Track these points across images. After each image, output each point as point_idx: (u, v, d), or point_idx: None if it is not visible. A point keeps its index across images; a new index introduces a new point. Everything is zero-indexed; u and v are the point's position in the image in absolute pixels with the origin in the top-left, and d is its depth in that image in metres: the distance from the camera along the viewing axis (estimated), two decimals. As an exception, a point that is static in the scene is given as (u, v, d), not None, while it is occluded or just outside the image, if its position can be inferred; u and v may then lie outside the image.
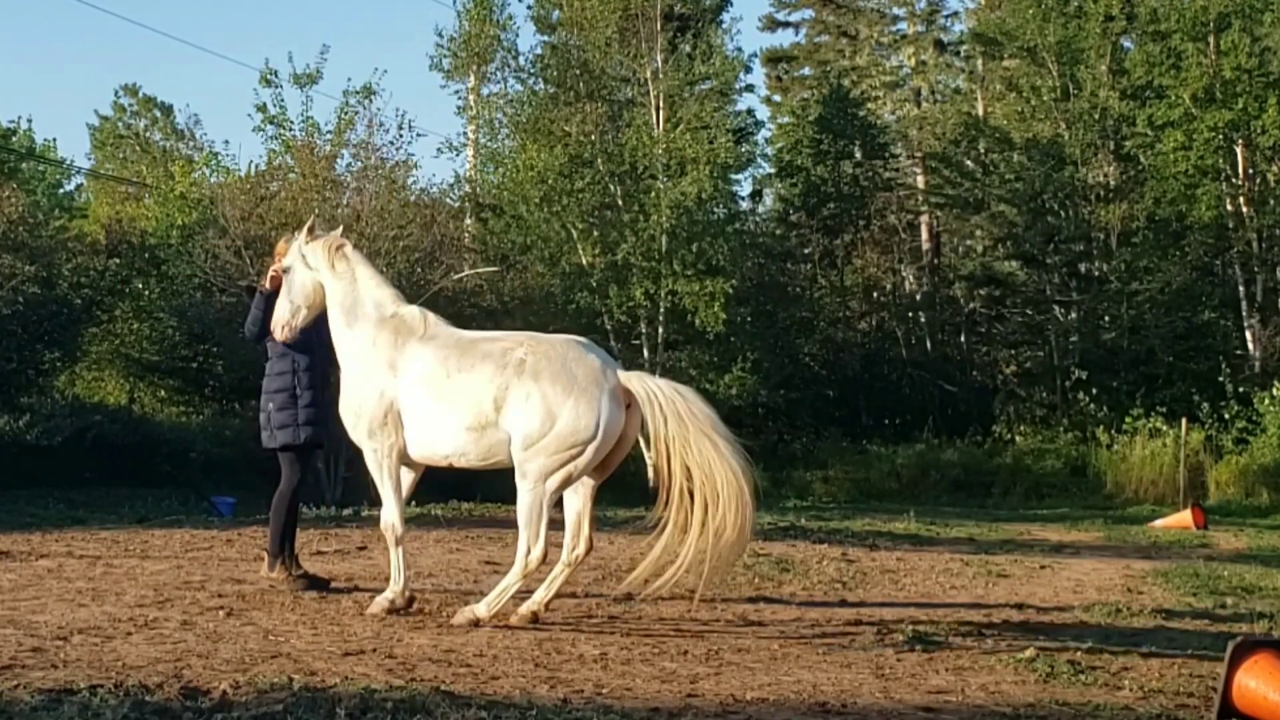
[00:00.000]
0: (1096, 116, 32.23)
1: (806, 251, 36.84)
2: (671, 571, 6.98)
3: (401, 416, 7.30)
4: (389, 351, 7.38)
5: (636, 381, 7.12)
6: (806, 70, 47.68)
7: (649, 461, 27.30)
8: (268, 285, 8.26)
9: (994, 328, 36.23)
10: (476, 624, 6.99)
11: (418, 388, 7.24)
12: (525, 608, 7.21)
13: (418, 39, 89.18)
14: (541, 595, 7.26)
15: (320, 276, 7.69)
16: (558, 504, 7.21)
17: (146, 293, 25.75)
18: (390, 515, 7.42)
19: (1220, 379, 27.78)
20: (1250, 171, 31.06)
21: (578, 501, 7.29)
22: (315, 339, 8.28)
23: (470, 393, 7.07)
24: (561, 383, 6.95)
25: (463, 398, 7.08)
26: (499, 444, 7.09)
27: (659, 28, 31.12)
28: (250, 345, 23.29)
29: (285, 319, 7.80)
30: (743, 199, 37.89)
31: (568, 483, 7.07)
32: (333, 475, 22.06)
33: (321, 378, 8.49)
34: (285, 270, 7.80)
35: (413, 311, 7.60)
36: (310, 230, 7.83)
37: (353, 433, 7.51)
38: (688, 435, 6.92)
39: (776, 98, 47.17)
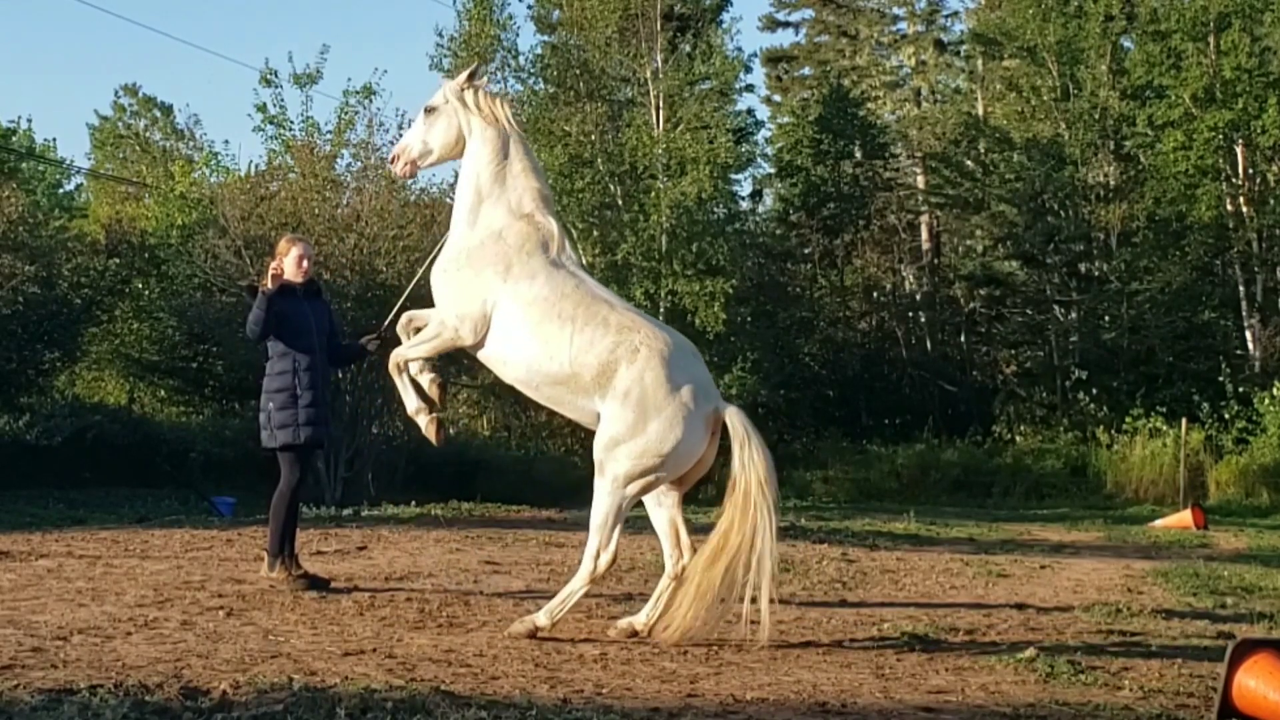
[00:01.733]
0: (1096, 116, 32.26)
1: (806, 251, 36.85)
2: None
3: (494, 321, 6.94)
4: (511, 252, 6.95)
5: (737, 419, 6.75)
6: (806, 70, 47.70)
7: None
8: (269, 284, 8.21)
9: (994, 328, 36.24)
10: (534, 634, 6.67)
11: (520, 307, 6.87)
12: (625, 621, 6.99)
13: (418, 39, 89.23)
14: (650, 612, 6.95)
15: (473, 130, 7.20)
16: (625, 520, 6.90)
17: (146, 293, 25.76)
18: (409, 355, 7.19)
19: (1220, 379, 27.79)
20: (1250, 171, 31.08)
21: (666, 512, 7.07)
22: (316, 339, 8.25)
23: (576, 350, 6.71)
24: (666, 393, 6.60)
25: (563, 350, 6.73)
26: (574, 405, 6.86)
27: (659, 28, 31.14)
28: (251, 345, 23.33)
29: (412, 156, 7.38)
30: (743, 199, 37.95)
31: (646, 491, 6.81)
32: (333, 475, 22.07)
33: (322, 378, 8.45)
34: (430, 109, 7.33)
35: (552, 224, 7.14)
36: (473, 75, 7.36)
37: (437, 294, 7.17)
38: (756, 491, 6.65)
39: (776, 98, 47.22)
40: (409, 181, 25.51)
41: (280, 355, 8.31)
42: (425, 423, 7.29)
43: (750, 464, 6.66)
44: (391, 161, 7.59)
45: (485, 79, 7.57)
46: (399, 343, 7.43)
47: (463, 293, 7.01)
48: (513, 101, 7.67)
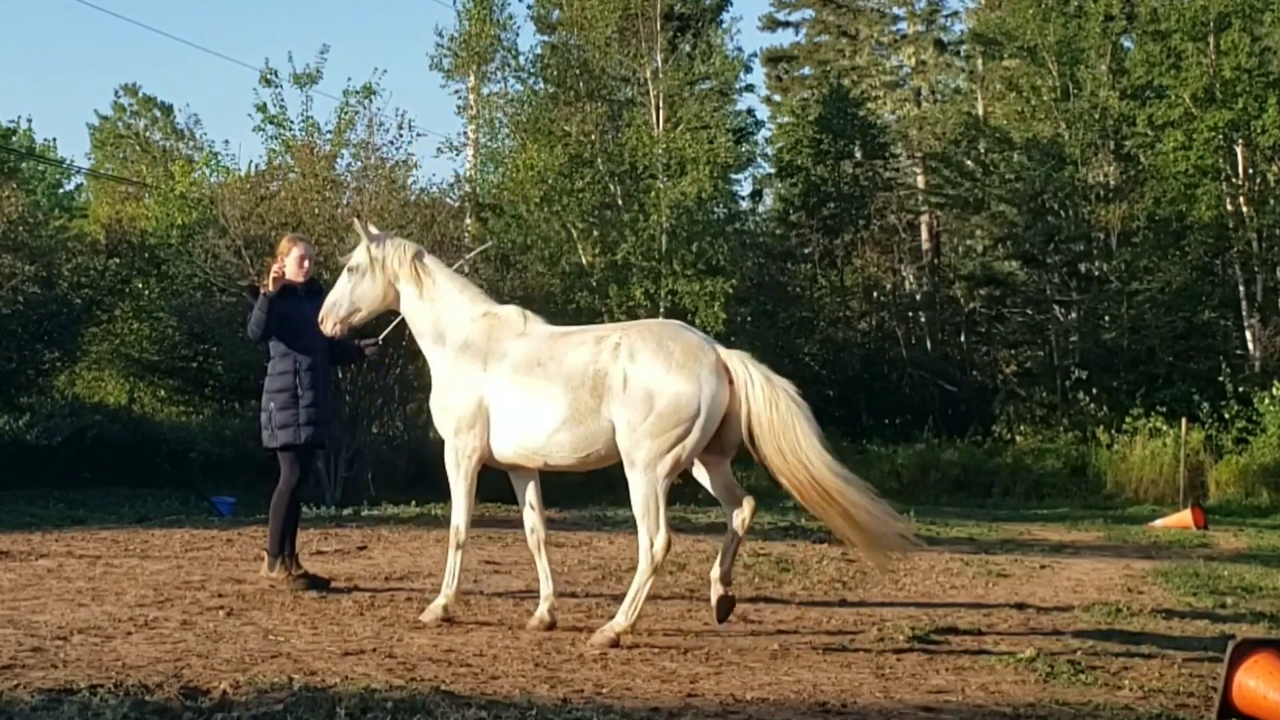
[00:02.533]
0: (1096, 116, 32.26)
1: (806, 251, 36.86)
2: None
3: (491, 414, 7.12)
4: (482, 348, 7.23)
5: (736, 360, 6.93)
6: (806, 70, 47.70)
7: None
8: (270, 286, 8.21)
9: (994, 328, 36.24)
10: (617, 642, 6.68)
11: (508, 382, 7.07)
12: (715, 575, 7.06)
13: (418, 39, 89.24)
14: (722, 566, 7.08)
15: (399, 286, 7.54)
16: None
17: (146, 293, 25.75)
18: (458, 518, 7.34)
19: (1220, 379, 27.78)
20: (1250, 171, 31.07)
21: (720, 477, 7.10)
22: (318, 338, 8.23)
23: (566, 382, 6.87)
24: (659, 361, 6.74)
25: (558, 388, 6.89)
26: (598, 434, 6.86)
27: (659, 27, 31.13)
28: (251, 345, 23.35)
29: (341, 316, 7.61)
30: (743, 199, 37.96)
31: (679, 466, 6.81)
32: (333, 475, 22.06)
33: (324, 378, 8.46)
34: (354, 269, 7.58)
35: (510, 310, 7.47)
36: (368, 233, 7.60)
37: (440, 430, 7.40)
38: (782, 422, 6.76)
39: (776, 98, 47.22)
40: (410, 180, 25.63)
41: (281, 355, 8.32)
42: (437, 614, 7.28)
43: (758, 399, 6.77)
44: (321, 321, 7.66)
45: (374, 229, 7.78)
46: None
47: (455, 410, 7.22)
48: (412, 249, 7.73)
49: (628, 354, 6.79)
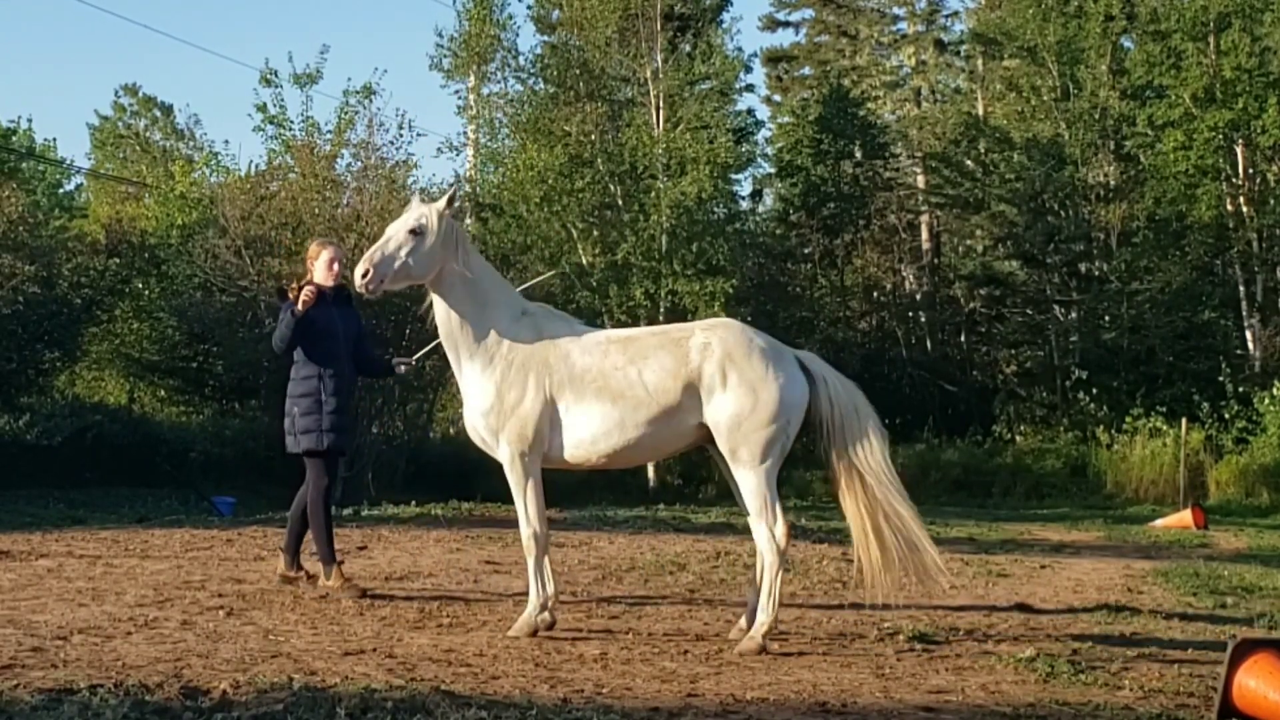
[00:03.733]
0: (1096, 116, 32.25)
1: (806, 251, 36.85)
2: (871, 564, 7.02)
3: (563, 420, 6.93)
4: (537, 349, 7.00)
5: (809, 360, 7.15)
6: (806, 70, 47.70)
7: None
8: (300, 306, 7.99)
9: (994, 328, 36.23)
10: (764, 647, 6.69)
11: (579, 385, 6.92)
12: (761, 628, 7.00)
13: (418, 39, 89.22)
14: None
15: (449, 259, 7.11)
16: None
17: (146, 293, 25.75)
18: (533, 525, 7.02)
19: (1220, 379, 27.77)
20: (1250, 171, 31.07)
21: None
22: (343, 346, 8.17)
23: (652, 385, 6.82)
24: (759, 358, 6.87)
25: (642, 391, 6.82)
26: (680, 433, 6.93)
27: (659, 27, 31.14)
28: (250, 347, 23.25)
29: (387, 275, 7.00)
30: (743, 199, 37.93)
31: (781, 457, 6.92)
32: (332, 475, 22.05)
33: (348, 385, 8.34)
34: (417, 230, 7.06)
35: (545, 308, 7.37)
36: (451, 201, 7.26)
37: (491, 436, 7.03)
38: (852, 423, 7.00)
39: (776, 98, 47.22)
40: (410, 180, 25.64)
41: (306, 362, 8.21)
42: (530, 623, 7.06)
43: (832, 394, 7.01)
44: (363, 276, 6.99)
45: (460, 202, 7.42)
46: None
47: (521, 411, 6.94)
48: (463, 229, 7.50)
49: (723, 353, 6.84)
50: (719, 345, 6.87)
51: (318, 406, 8.13)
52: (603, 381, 6.89)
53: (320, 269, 8.32)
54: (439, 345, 7.40)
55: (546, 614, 7.02)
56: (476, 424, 7.10)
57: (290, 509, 8.53)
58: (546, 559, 7.14)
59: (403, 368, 8.65)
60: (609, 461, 7.07)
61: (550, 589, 7.14)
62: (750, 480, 6.81)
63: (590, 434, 6.91)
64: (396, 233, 7.12)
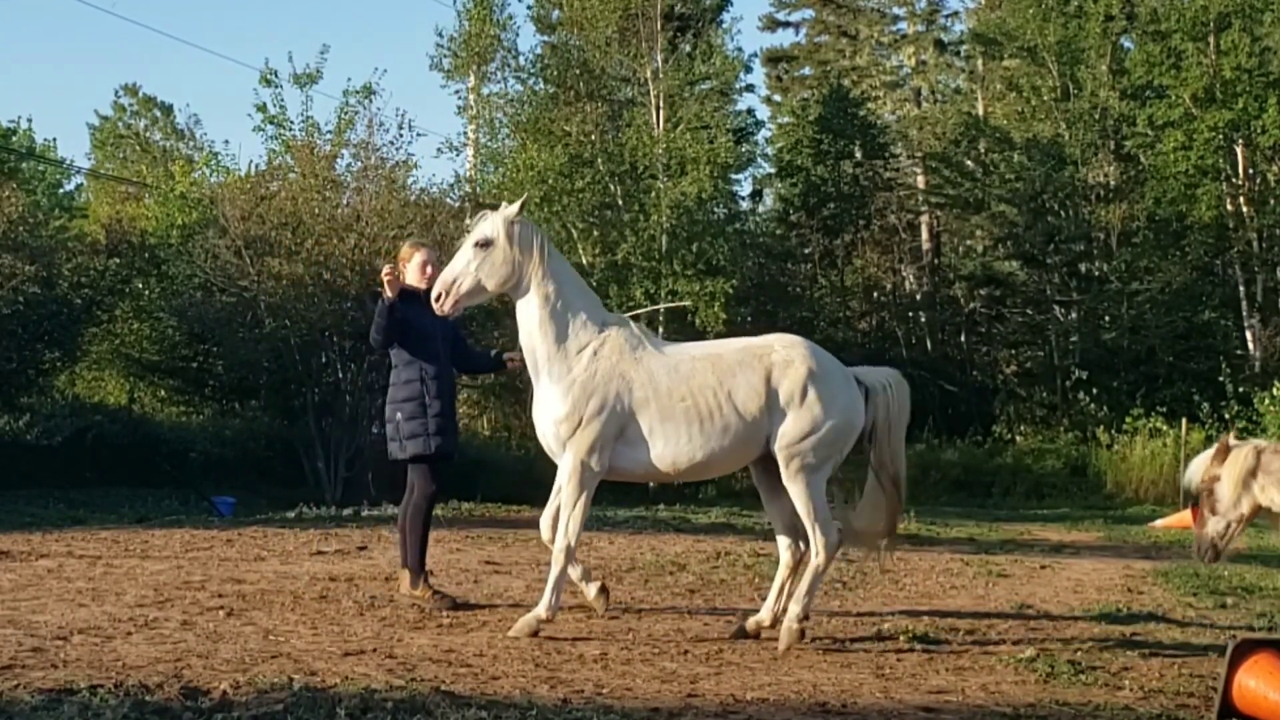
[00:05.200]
0: (1096, 116, 32.26)
1: (806, 251, 36.85)
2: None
3: (640, 432, 6.95)
4: (619, 363, 7.00)
5: (870, 375, 7.36)
6: (806, 70, 47.71)
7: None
8: (389, 291, 7.81)
9: (994, 328, 36.24)
10: (802, 633, 6.96)
11: (662, 402, 6.94)
12: (752, 621, 7.29)
13: (418, 39, 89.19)
14: (773, 606, 7.28)
15: (526, 266, 7.09)
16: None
17: (146, 293, 25.72)
18: (569, 539, 6.96)
19: (1220, 379, 27.77)
20: (1250, 171, 31.07)
21: (790, 505, 7.19)
22: (441, 346, 8.03)
23: (741, 404, 6.93)
24: (833, 379, 7.09)
25: (731, 411, 6.93)
26: (753, 448, 7.05)
27: (659, 28, 31.14)
28: (250, 347, 23.22)
29: (463, 293, 7.06)
30: (743, 199, 37.95)
31: (831, 470, 7.17)
32: (333, 475, 22.07)
33: (450, 386, 8.16)
34: (484, 243, 7.05)
35: (625, 320, 7.35)
36: (523, 208, 7.24)
37: (559, 444, 7.00)
38: (895, 427, 7.35)
39: (776, 98, 47.22)
40: (410, 180, 25.65)
41: (406, 364, 7.99)
42: (593, 591, 7.33)
43: (888, 409, 7.33)
44: (436, 300, 7.08)
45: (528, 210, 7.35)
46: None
47: (596, 423, 6.93)
48: (543, 234, 7.46)
49: (805, 371, 7.00)
50: (801, 363, 7.04)
51: (422, 410, 7.90)
52: (692, 401, 6.96)
53: (413, 271, 8.08)
54: None
55: (549, 619, 7.03)
56: (547, 432, 7.09)
57: (399, 520, 8.24)
58: (570, 571, 7.14)
59: (512, 364, 8.33)
60: (688, 475, 7.22)
61: (558, 602, 7.09)
62: (801, 489, 7.00)
63: (674, 451, 6.96)
64: (464, 248, 7.17)
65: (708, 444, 6.95)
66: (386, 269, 7.95)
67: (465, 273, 7.09)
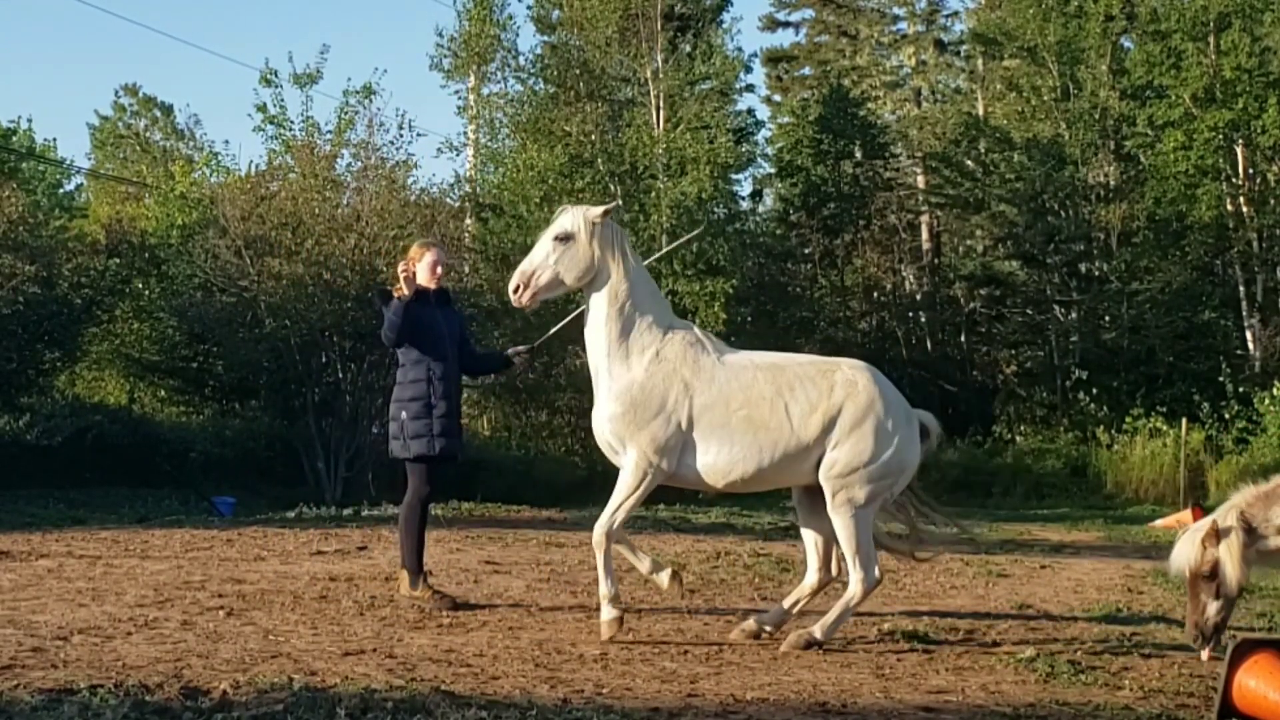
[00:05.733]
0: (1096, 116, 32.24)
1: (806, 251, 36.83)
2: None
3: (694, 438, 6.92)
4: (680, 367, 6.99)
5: (929, 420, 7.40)
6: (806, 70, 47.69)
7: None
8: (404, 290, 7.82)
9: (994, 328, 36.22)
10: (810, 645, 6.91)
11: (720, 411, 6.92)
12: (751, 623, 7.25)
13: (418, 39, 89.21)
14: (785, 614, 7.29)
15: (604, 264, 7.10)
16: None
17: (146, 293, 25.73)
18: (606, 528, 6.92)
19: (1220, 379, 27.77)
20: (1250, 171, 31.06)
21: (826, 524, 7.15)
22: (449, 347, 8.00)
23: (798, 418, 6.89)
24: (895, 412, 7.04)
25: (785, 424, 6.88)
26: (804, 466, 6.97)
27: (659, 28, 31.13)
28: (250, 347, 23.20)
29: (541, 285, 7.09)
30: (743, 199, 37.91)
31: (878, 507, 7.10)
32: (333, 475, 22.07)
33: (456, 387, 8.13)
34: (564, 237, 7.11)
35: (690, 326, 7.33)
36: (608, 213, 7.21)
37: (617, 442, 7.00)
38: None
39: (776, 98, 47.19)
40: (410, 180, 25.64)
41: (414, 363, 7.96)
42: (666, 579, 7.13)
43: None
44: (514, 290, 7.14)
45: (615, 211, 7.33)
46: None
47: (654, 426, 6.91)
48: (623, 232, 7.36)
49: (869, 398, 6.97)
50: (866, 389, 6.98)
51: (428, 410, 7.89)
52: (749, 410, 6.91)
53: (423, 270, 8.04)
54: (554, 333, 7.82)
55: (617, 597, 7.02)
56: (604, 429, 7.07)
57: (399, 520, 8.22)
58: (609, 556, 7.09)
59: (519, 359, 8.37)
60: (737, 487, 7.10)
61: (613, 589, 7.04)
62: (844, 521, 6.92)
63: (728, 460, 6.92)
64: (543, 241, 7.19)
65: (759, 456, 6.88)
66: (403, 267, 7.94)
67: (545, 265, 7.12)
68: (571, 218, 7.16)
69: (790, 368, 7.11)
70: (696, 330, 7.29)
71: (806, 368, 7.12)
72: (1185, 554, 6.17)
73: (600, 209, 7.22)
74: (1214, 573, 6.05)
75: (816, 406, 6.91)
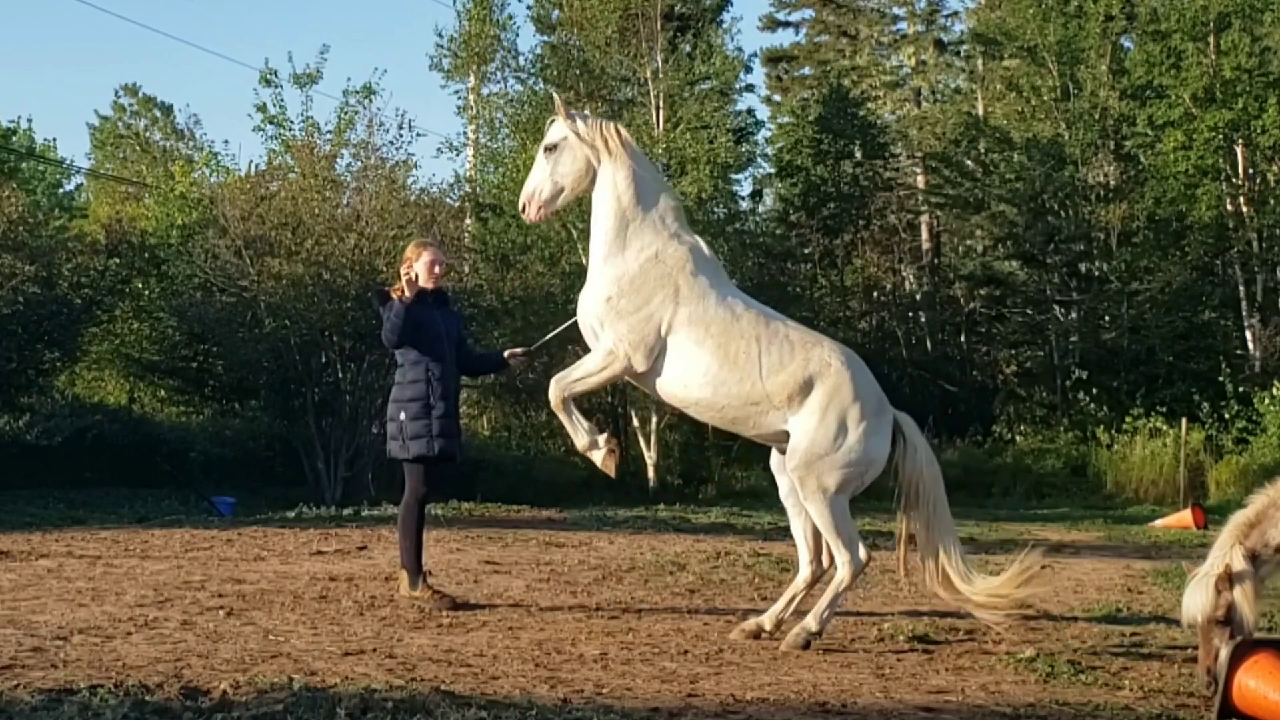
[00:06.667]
0: (1096, 116, 32.23)
1: (806, 251, 36.81)
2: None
3: (667, 345, 6.92)
4: (676, 274, 6.95)
5: (907, 426, 7.22)
6: (806, 70, 47.68)
7: (649, 462, 27.33)
8: (406, 293, 7.84)
9: (994, 328, 36.22)
10: (808, 644, 6.87)
11: (699, 330, 6.90)
12: (752, 622, 7.21)
13: (418, 39, 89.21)
14: (779, 612, 7.21)
15: (602, 159, 7.12)
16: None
17: (146, 293, 25.73)
18: (574, 390, 7.01)
19: (1220, 379, 27.76)
20: (1250, 171, 31.05)
21: (810, 521, 7.13)
22: (448, 348, 8.00)
23: (766, 367, 6.84)
24: (865, 402, 6.95)
25: (753, 366, 6.83)
26: (760, 423, 6.94)
27: (659, 27, 31.13)
28: (250, 347, 23.19)
29: (545, 199, 7.23)
30: (743, 199, 37.91)
31: (851, 494, 7.03)
32: (333, 475, 22.07)
33: (455, 388, 8.13)
34: (551, 147, 7.19)
35: (699, 241, 7.25)
36: (562, 108, 7.20)
37: (598, 324, 7.02)
38: (927, 493, 7.13)
39: (776, 98, 47.19)
40: (410, 180, 25.64)
41: (413, 364, 7.97)
42: (602, 457, 7.11)
43: (919, 466, 7.11)
44: (522, 210, 7.37)
45: (585, 109, 7.39)
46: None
47: (633, 319, 6.93)
48: (617, 123, 7.40)
49: (837, 381, 6.89)
50: (838, 372, 6.91)
51: (426, 411, 7.89)
52: (725, 338, 6.88)
53: (422, 270, 8.03)
54: (553, 336, 7.83)
55: (600, 446, 7.04)
56: (587, 310, 7.12)
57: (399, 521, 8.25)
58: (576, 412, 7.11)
59: (517, 360, 8.37)
60: (690, 410, 7.12)
61: (586, 424, 7.09)
62: (817, 509, 6.90)
63: (689, 377, 6.93)
64: (537, 160, 7.28)
65: (716, 389, 6.87)
66: (405, 269, 7.95)
67: (543, 180, 7.22)
68: (557, 127, 7.24)
69: (777, 325, 7.10)
70: (706, 249, 7.25)
71: (793, 331, 7.11)
72: (1199, 602, 5.94)
73: (560, 109, 7.24)
74: (1229, 618, 5.87)
75: (786, 367, 6.86)
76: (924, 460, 7.14)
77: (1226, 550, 5.98)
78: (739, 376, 6.85)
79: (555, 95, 7.67)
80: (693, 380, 6.92)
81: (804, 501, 6.93)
